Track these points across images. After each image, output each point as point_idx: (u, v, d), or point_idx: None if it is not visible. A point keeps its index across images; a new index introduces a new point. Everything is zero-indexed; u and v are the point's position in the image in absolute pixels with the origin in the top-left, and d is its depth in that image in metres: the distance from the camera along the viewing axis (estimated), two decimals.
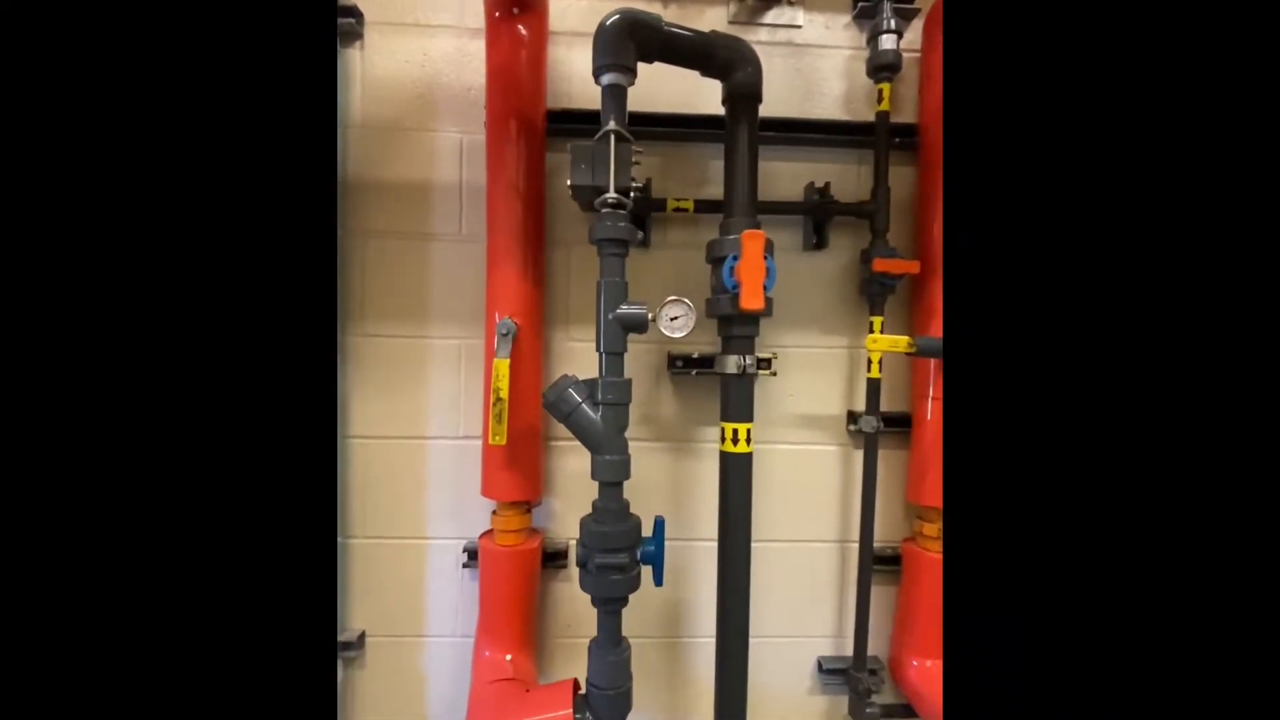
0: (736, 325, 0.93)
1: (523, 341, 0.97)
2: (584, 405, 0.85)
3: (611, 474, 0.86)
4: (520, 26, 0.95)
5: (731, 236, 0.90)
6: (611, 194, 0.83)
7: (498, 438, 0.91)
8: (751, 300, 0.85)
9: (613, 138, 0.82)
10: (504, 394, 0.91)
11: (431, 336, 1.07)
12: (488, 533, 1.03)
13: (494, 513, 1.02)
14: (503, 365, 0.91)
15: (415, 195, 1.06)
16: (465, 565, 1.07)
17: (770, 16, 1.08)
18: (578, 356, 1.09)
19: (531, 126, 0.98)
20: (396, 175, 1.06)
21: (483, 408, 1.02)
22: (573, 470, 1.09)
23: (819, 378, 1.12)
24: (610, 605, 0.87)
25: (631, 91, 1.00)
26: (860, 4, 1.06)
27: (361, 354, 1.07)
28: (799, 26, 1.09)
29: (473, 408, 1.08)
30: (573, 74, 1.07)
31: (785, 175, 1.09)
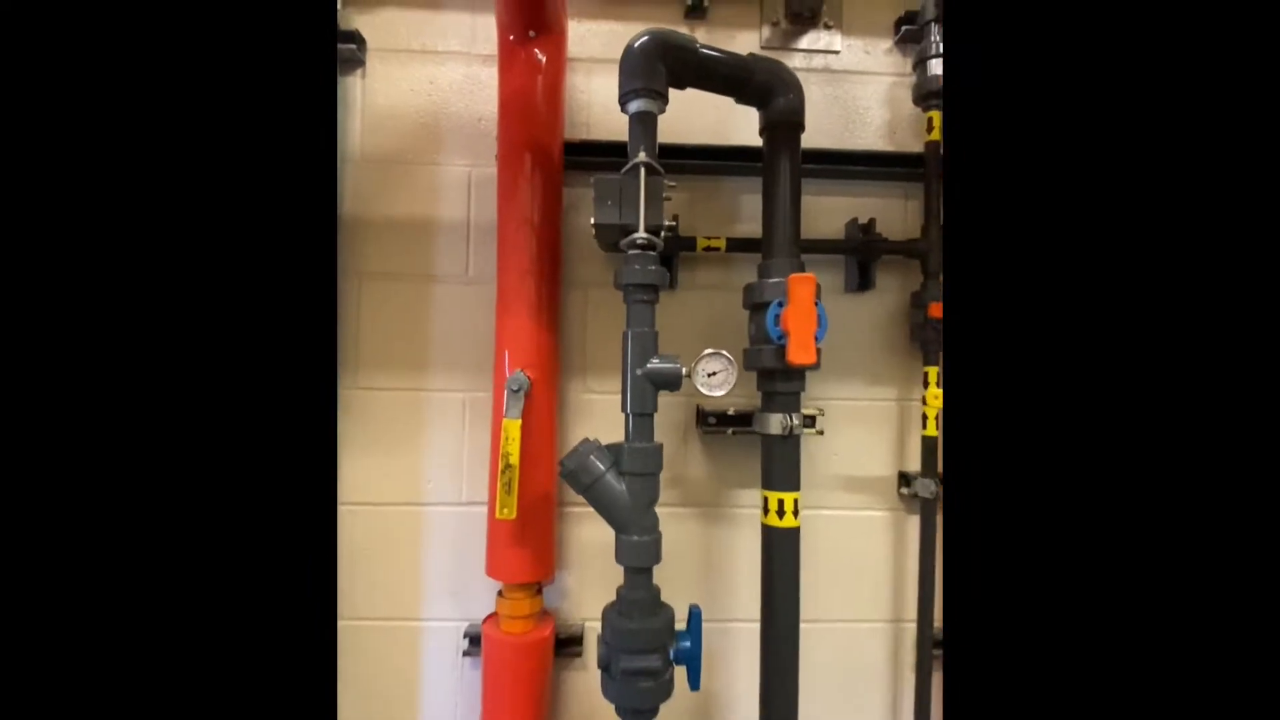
0: (781, 380, 0.81)
1: (536, 396, 0.86)
2: (608, 476, 0.73)
3: (640, 558, 0.73)
4: (537, 50, 0.87)
5: (774, 280, 0.79)
6: (641, 234, 0.72)
7: (506, 511, 0.79)
8: (801, 353, 0.74)
9: (643, 170, 0.72)
10: (515, 459, 0.79)
11: (432, 389, 0.96)
12: (492, 616, 0.90)
13: (500, 594, 0.88)
14: (514, 427, 0.79)
15: (417, 233, 0.96)
16: (466, 653, 0.94)
17: (805, 41, 1.00)
18: (596, 411, 0.97)
19: (548, 158, 0.88)
20: (397, 212, 0.96)
21: (489, 471, 0.90)
22: (591, 540, 0.96)
23: (867, 435, 0.99)
24: (639, 716, 0.73)
25: (662, 120, 0.91)
26: (904, 28, 0.98)
27: (352, 408, 0.95)
28: (837, 52, 1.01)
29: (477, 470, 0.95)
30: (592, 102, 0.99)
31: (824, 210, 0.99)
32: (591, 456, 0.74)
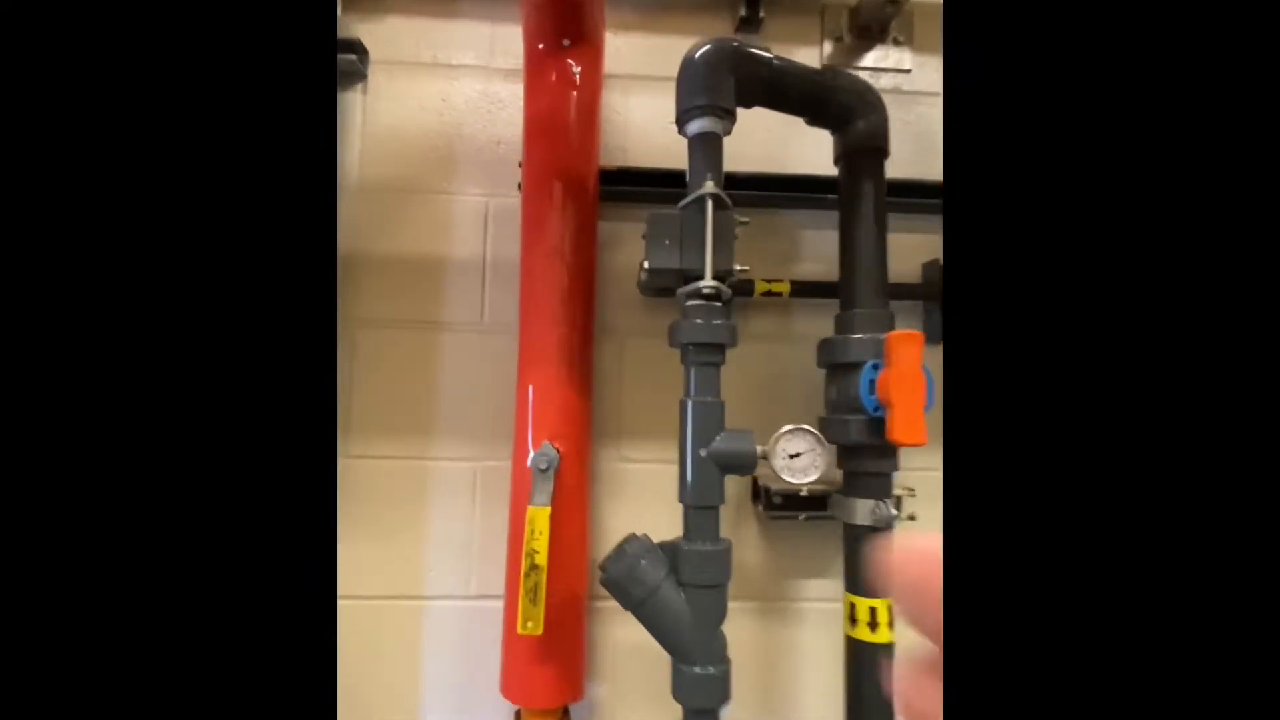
0: (869, 458, 0.66)
1: (565, 471, 0.70)
2: (663, 588, 0.57)
3: (706, 696, 0.57)
4: (571, 62, 0.74)
5: (861, 336, 0.65)
6: (708, 281, 0.58)
7: (531, 625, 0.62)
8: (909, 431, 0.59)
9: (710, 203, 0.59)
10: (542, 559, 0.63)
11: (437, 458, 0.80)
12: None
13: (517, 718, 0.71)
14: (542, 517, 0.63)
15: (424, 273, 0.82)
16: None
17: (871, 59, 0.88)
18: (632, 483, 0.82)
19: (581, 187, 0.74)
20: (401, 248, 0.82)
21: (506, 557, 0.74)
22: (627, 641, 0.80)
23: None
24: None
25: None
26: None
27: (343, 480, 0.79)
28: (908, 71, 0.88)
29: (490, 556, 0.79)
30: (629, 124, 0.86)
31: (900, 250, 0.85)
32: (643, 562, 0.58)
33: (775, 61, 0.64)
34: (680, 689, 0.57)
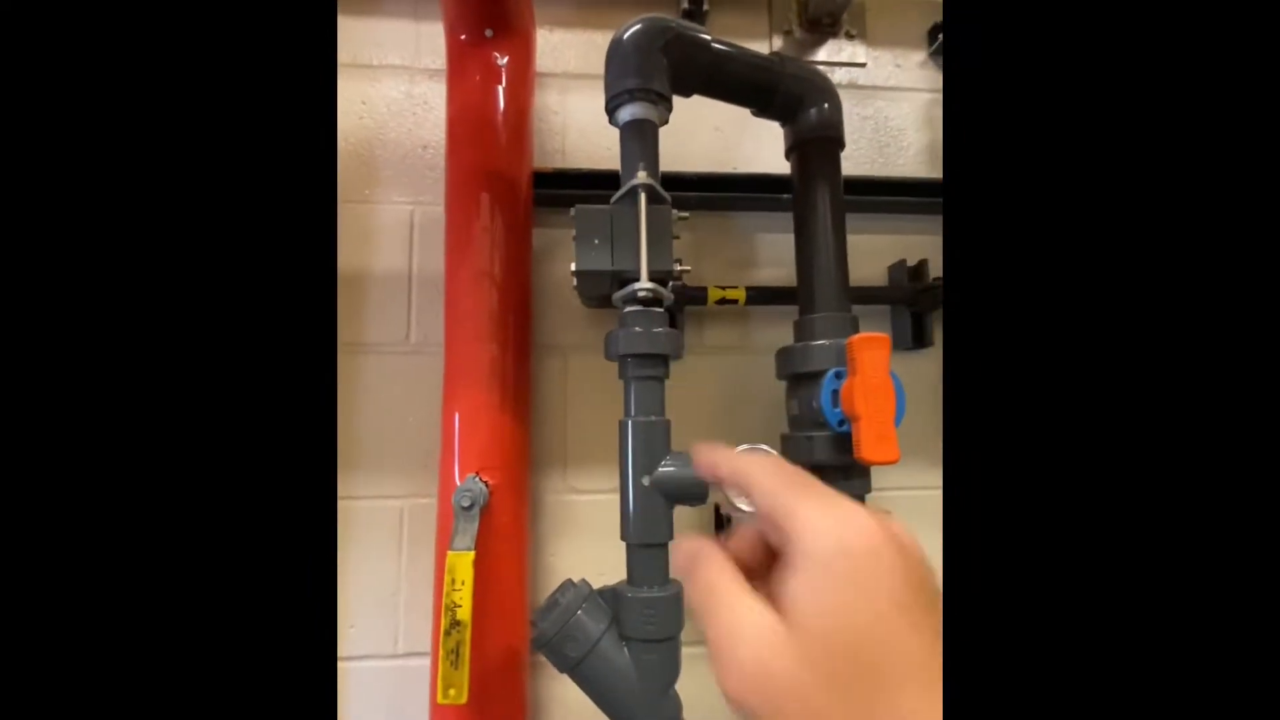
0: (838, 480, 0.59)
1: (502, 508, 0.62)
2: (603, 645, 0.48)
3: None
4: (496, 55, 0.67)
5: (822, 342, 0.58)
6: (644, 284, 0.51)
7: (454, 693, 0.53)
8: (879, 448, 0.52)
9: (643, 195, 0.52)
10: (465, 614, 0.54)
11: (358, 496, 0.71)
12: None
13: None
14: (463, 564, 0.54)
15: (343, 290, 0.73)
16: None
17: (824, 53, 0.84)
18: (581, 518, 0.73)
19: (512, 191, 0.67)
20: None
21: (433, 613, 0.65)
22: (577, 703, 0.70)
23: (930, 532, 0.76)
24: None
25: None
26: (940, 36, 0.82)
27: None
28: (862, 65, 0.84)
29: (419, 606, 0.69)
30: (568, 126, 0.79)
31: (861, 250, 0.80)
32: (580, 614, 0.49)
33: (714, 44, 0.58)
34: None
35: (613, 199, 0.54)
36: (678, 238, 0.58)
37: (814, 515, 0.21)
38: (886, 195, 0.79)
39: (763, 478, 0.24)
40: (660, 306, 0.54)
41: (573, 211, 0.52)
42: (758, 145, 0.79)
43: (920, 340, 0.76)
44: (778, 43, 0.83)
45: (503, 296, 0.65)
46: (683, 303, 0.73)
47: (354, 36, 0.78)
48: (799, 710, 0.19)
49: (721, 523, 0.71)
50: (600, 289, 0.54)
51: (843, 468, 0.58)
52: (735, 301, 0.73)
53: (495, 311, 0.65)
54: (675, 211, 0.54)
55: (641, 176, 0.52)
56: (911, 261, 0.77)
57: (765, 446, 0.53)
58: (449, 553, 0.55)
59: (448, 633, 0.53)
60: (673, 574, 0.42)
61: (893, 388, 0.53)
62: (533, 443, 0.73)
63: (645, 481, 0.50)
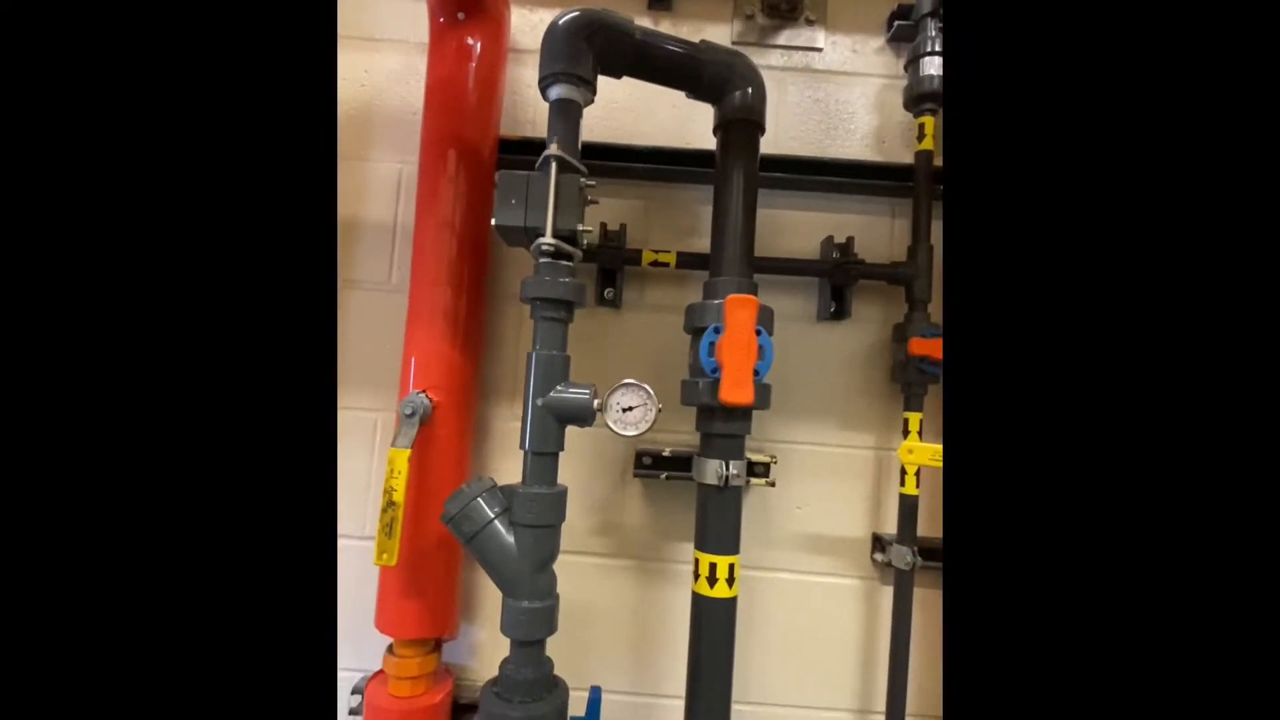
0: (719, 420, 0.68)
1: (444, 422, 0.75)
2: (495, 524, 0.61)
3: (528, 628, 0.61)
4: (468, 36, 0.78)
5: (715, 301, 0.67)
6: (548, 239, 0.61)
7: (386, 556, 0.67)
8: (735, 391, 0.61)
9: (554, 165, 0.62)
10: (399, 496, 0.67)
11: (343, 407, 0.86)
12: (379, 675, 0.78)
13: (388, 651, 0.76)
14: (400, 458, 0.68)
15: (340, 234, 0.87)
16: (353, 711, 0.81)
17: (784, 37, 0.89)
18: None
19: (475, 154, 0.78)
20: None
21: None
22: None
23: (836, 487, 0.85)
24: None
25: (614, 120, 0.82)
26: (897, 23, 0.86)
27: None
28: (819, 49, 0.89)
29: None
30: (539, 98, 0.89)
31: (799, 227, 0.87)
32: (479, 500, 0.62)
33: (638, 33, 0.66)
34: (506, 622, 0.61)
35: (536, 166, 0.64)
36: (595, 203, 0.68)
37: None
38: (828, 175, 0.85)
39: None
40: (569, 260, 0.64)
41: (497, 175, 0.62)
42: (707, 124, 0.87)
43: (839, 312, 0.83)
44: (738, 27, 0.89)
45: (460, 246, 0.77)
46: (622, 263, 0.83)
47: (361, 14, 0.89)
48: None
49: (641, 463, 0.82)
50: (518, 242, 0.64)
51: (725, 410, 0.67)
52: (667, 264, 0.82)
53: (453, 259, 0.77)
54: (585, 180, 0.63)
55: (554, 148, 0.61)
56: (840, 238, 0.83)
57: (638, 382, 0.63)
58: (390, 448, 0.69)
59: (384, 510, 0.67)
60: None
61: (756, 343, 0.62)
62: (486, 376, 0.86)
63: (539, 403, 0.62)
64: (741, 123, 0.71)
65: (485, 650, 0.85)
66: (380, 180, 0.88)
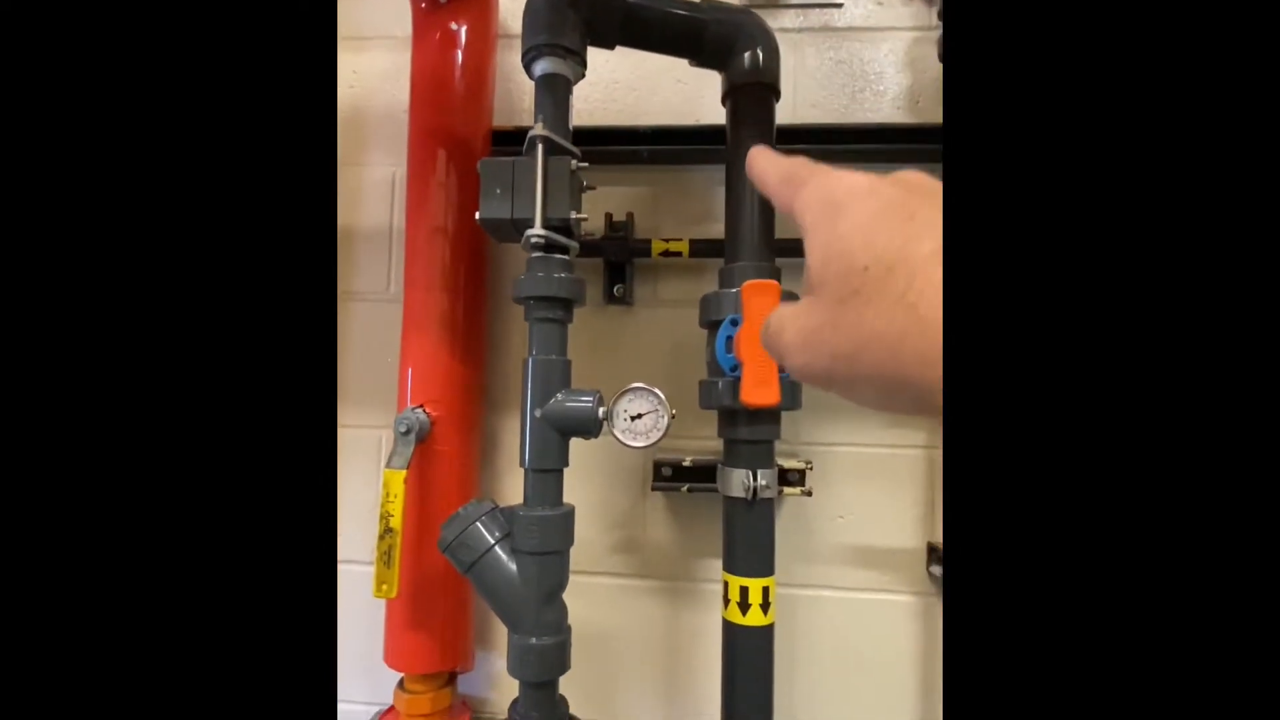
0: (743, 425, 0.60)
1: (445, 438, 0.69)
2: (496, 550, 0.55)
3: (535, 669, 0.54)
4: (453, 21, 0.72)
5: (732, 290, 0.59)
6: (537, 229, 0.55)
7: (385, 588, 0.62)
8: (758, 391, 0.53)
9: (540, 147, 0.55)
10: (397, 522, 0.62)
11: (346, 425, 0.82)
12: (390, 712, 0.72)
13: (399, 686, 0.71)
14: (395, 480, 0.63)
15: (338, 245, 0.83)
16: None
17: None
18: None
19: (466, 148, 0.73)
20: None
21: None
22: None
23: (883, 493, 0.76)
24: None
25: (617, 102, 0.76)
26: None
27: None
28: (839, 4, 0.80)
29: None
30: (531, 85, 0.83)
31: None
32: (478, 524, 0.56)
33: None
34: (512, 661, 0.54)
35: (523, 151, 0.58)
36: (591, 188, 0.61)
37: (807, 193, 0.22)
38: (856, 144, 0.76)
39: (771, 181, 0.25)
40: (564, 253, 0.57)
41: (479, 164, 0.56)
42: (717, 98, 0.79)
43: None
44: None
45: (455, 247, 0.71)
46: (630, 255, 0.76)
47: (349, 12, 0.85)
48: (827, 343, 0.19)
49: (660, 474, 0.74)
50: (507, 236, 0.58)
51: (749, 412, 0.59)
52: (679, 254, 0.74)
53: (447, 261, 0.71)
54: (576, 162, 0.56)
55: (539, 129, 0.55)
56: None
57: (649, 386, 0.56)
58: (384, 470, 0.63)
59: (381, 537, 0.62)
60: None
61: None
62: (491, 385, 0.80)
63: (537, 414, 0.55)
64: (752, 87, 0.63)
65: (504, 681, 0.79)
66: (374, 185, 0.83)
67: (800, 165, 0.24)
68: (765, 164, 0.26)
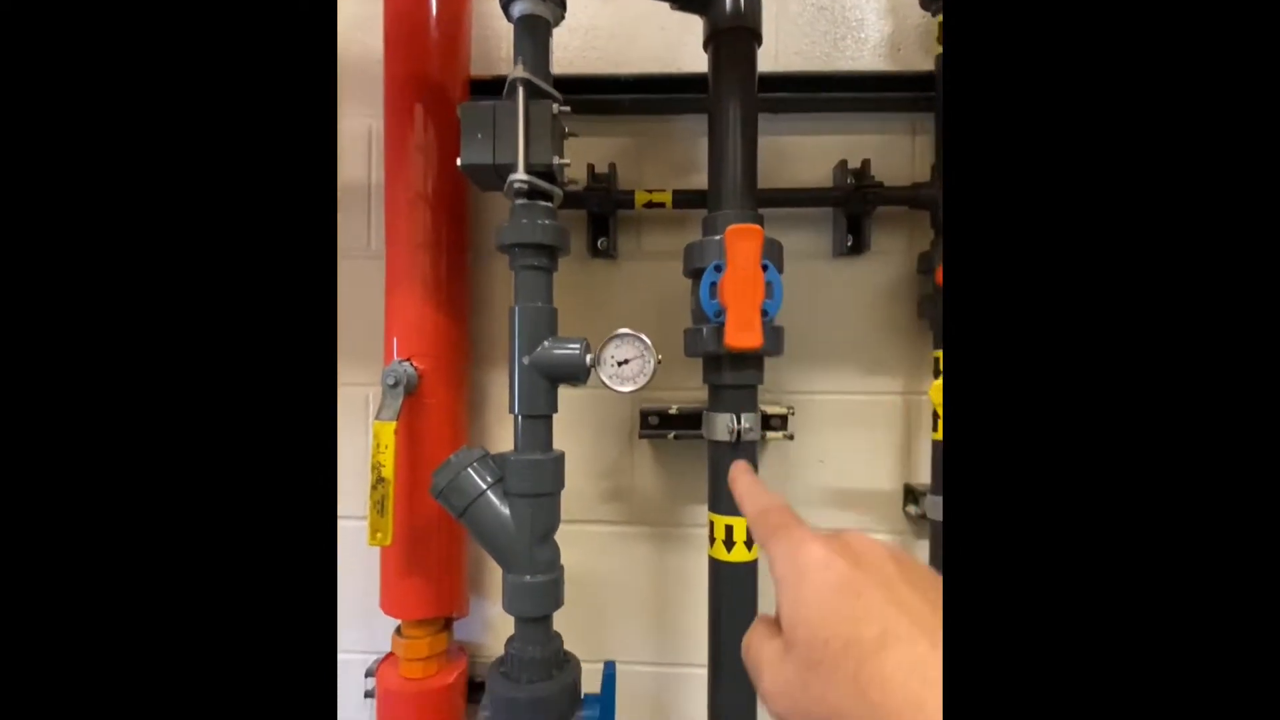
0: (728, 370, 0.62)
1: (433, 392, 0.70)
2: (488, 495, 0.56)
3: (530, 604, 0.56)
4: None
5: (715, 237, 0.60)
6: (520, 175, 0.54)
7: (380, 536, 0.63)
8: (741, 334, 0.54)
9: (522, 90, 0.54)
10: (388, 472, 0.63)
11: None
12: (389, 658, 0.75)
13: (396, 632, 0.73)
14: (385, 431, 0.63)
15: None
16: (368, 695, 0.79)
17: None
18: None
19: (444, 97, 0.71)
20: None
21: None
22: None
23: (861, 437, 0.78)
24: None
25: (597, 49, 0.75)
26: None
27: None
28: None
29: None
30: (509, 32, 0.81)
31: (809, 153, 0.78)
32: (469, 470, 0.57)
33: None
34: (508, 599, 0.56)
35: (503, 95, 0.57)
36: (574, 135, 0.61)
37: (777, 547, 0.25)
38: (837, 91, 0.76)
39: (748, 509, 0.29)
40: (548, 200, 0.57)
41: (459, 109, 0.55)
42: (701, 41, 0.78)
43: (857, 245, 0.75)
44: None
45: (435, 202, 0.71)
46: (614, 207, 0.75)
47: None
48: (799, 704, 0.22)
49: (647, 423, 0.76)
50: (489, 184, 0.58)
51: (732, 358, 0.61)
52: (663, 204, 0.74)
53: (428, 214, 0.70)
54: (558, 106, 0.56)
55: (519, 71, 0.54)
56: (855, 162, 0.75)
57: (634, 332, 0.57)
58: (374, 422, 0.64)
59: (374, 487, 0.63)
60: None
61: (762, 278, 0.55)
62: (478, 340, 0.80)
63: (525, 361, 0.56)
64: (734, 30, 0.62)
65: (499, 626, 0.81)
66: (349, 138, 0.81)
67: (774, 511, 0.27)
68: (744, 490, 0.30)
